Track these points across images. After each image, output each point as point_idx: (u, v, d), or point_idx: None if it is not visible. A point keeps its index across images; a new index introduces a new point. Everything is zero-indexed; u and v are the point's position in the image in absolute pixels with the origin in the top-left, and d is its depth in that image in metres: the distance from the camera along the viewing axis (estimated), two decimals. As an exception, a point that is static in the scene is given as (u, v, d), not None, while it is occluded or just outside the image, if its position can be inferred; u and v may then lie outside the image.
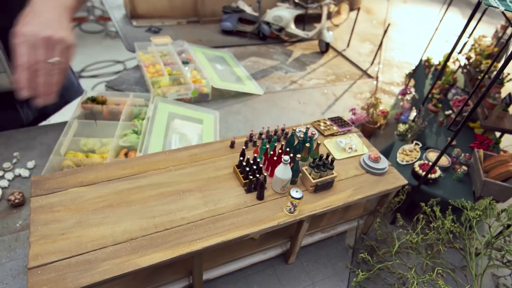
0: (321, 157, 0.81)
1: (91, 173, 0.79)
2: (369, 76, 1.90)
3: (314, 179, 0.80)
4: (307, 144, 0.83)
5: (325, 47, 2.04)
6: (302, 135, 0.86)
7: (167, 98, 1.37)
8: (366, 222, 1.03)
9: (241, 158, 0.82)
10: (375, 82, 1.83)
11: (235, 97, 1.54)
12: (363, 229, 1.05)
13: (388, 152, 1.14)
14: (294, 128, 0.94)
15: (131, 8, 2.04)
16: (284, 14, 2.01)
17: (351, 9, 2.32)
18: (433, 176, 1.00)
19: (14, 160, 1.09)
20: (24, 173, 1.06)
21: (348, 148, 0.94)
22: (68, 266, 0.61)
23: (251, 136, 0.92)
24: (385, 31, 1.81)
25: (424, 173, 1.00)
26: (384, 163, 0.89)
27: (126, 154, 1.10)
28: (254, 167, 0.80)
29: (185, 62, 1.58)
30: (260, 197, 0.78)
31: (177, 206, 0.74)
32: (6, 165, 1.07)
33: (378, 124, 1.41)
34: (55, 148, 1.04)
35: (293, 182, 0.82)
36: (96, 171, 0.79)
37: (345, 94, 1.70)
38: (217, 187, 0.80)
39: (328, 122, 1.03)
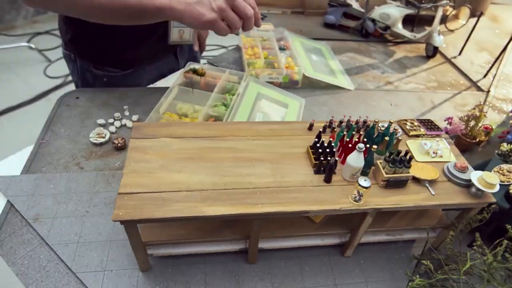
0: (398, 152, 0.78)
1: (181, 128, 0.89)
2: (479, 89, 1.71)
3: (386, 173, 0.77)
4: (386, 138, 0.80)
5: (432, 52, 1.89)
6: (383, 128, 0.83)
7: (259, 79, 1.44)
8: (439, 235, 0.95)
9: (316, 140, 0.84)
10: (484, 96, 1.64)
11: (324, 89, 1.53)
12: (434, 243, 0.97)
13: (481, 168, 1.03)
14: (377, 121, 0.91)
15: (242, -6, 2.17)
16: (392, 12, 1.91)
17: (472, 15, 2.10)
18: (532, 202, 0.88)
19: (125, 112, 1.28)
20: (129, 124, 1.24)
21: (432, 152, 0.88)
22: (148, 199, 0.71)
23: (330, 122, 0.92)
24: (509, 41, 1.60)
25: (521, 197, 0.88)
26: (470, 174, 0.81)
27: (212, 123, 1.20)
28: (327, 150, 0.81)
29: (282, 49, 1.63)
30: (328, 180, 0.79)
31: (247, 171, 0.79)
32: (116, 114, 1.26)
33: (477, 140, 1.27)
34: (155, 107, 1.19)
35: (364, 173, 0.81)
36: (185, 128, 0.89)
37: (445, 103, 1.56)
38: (288, 163, 0.83)
39: (416, 123, 0.97)
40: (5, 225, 0.92)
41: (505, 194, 0.93)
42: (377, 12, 1.96)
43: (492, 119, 1.48)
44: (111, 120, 1.24)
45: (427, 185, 0.81)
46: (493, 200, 0.80)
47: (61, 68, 3.85)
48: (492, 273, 0.72)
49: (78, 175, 1.06)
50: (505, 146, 1.18)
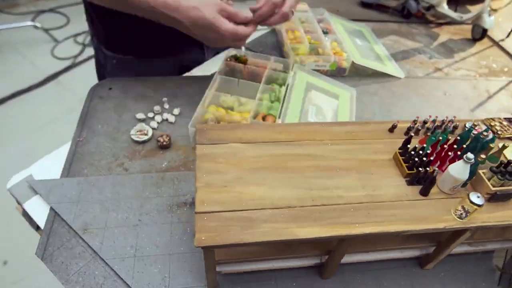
0: (509, 163, 0.68)
1: (249, 131, 0.78)
2: (534, 75, 1.59)
3: (493, 186, 0.68)
4: (492, 145, 0.71)
5: (480, 34, 1.75)
6: (478, 133, 0.73)
7: (305, 67, 1.32)
8: (525, 246, 0.87)
9: (407, 146, 0.74)
10: (540, 84, 1.52)
11: (372, 76, 1.42)
12: (518, 254, 0.89)
13: None
14: (466, 123, 0.81)
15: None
16: (438, -10, 1.77)
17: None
18: None
19: (164, 105, 1.17)
20: (171, 118, 1.13)
21: (533, 158, 0.78)
22: (232, 219, 0.62)
23: (415, 122, 0.82)
24: None
25: None
26: None
27: (263, 118, 1.09)
28: (424, 158, 0.71)
29: (325, 32, 1.50)
30: (425, 193, 0.70)
31: (334, 183, 0.70)
32: (156, 108, 1.15)
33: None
34: (202, 100, 1.08)
35: (464, 185, 0.71)
36: (254, 131, 0.79)
37: (501, 92, 1.45)
38: (374, 172, 0.73)
39: (505, 123, 0.87)
40: (52, 237, 0.84)
41: None
42: (421, -10, 1.81)
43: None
44: (150, 115, 1.14)
45: (534, 197, 0.72)
46: None
47: (69, 48, 3.69)
48: None
49: (124, 178, 0.96)
50: None
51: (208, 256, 0.64)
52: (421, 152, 0.72)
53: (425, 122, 0.83)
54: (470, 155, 0.65)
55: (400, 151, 0.75)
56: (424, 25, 1.88)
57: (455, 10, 1.87)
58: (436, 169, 0.69)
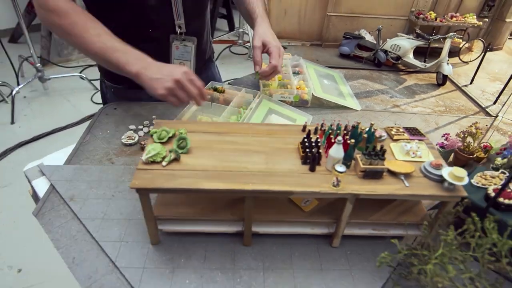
0: (374, 147, 0.89)
1: (194, 125, 1.06)
2: (487, 114, 1.77)
3: (363, 164, 0.89)
4: (365, 135, 0.93)
5: (442, 80, 1.99)
6: (365, 129, 0.96)
7: (272, 97, 1.61)
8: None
9: (305, 136, 0.97)
10: (491, 120, 1.70)
11: (332, 108, 1.67)
12: (420, 241, 1.04)
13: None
14: (362, 126, 1.04)
15: (265, 28, 2.42)
16: (403, 44, 2.06)
17: (488, 48, 2.19)
18: (507, 202, 0.94)
19: (153, 121, 1.48)
20: (155, 130, 1.44)
21: (412, 153, 0.98)
22: (160, 174, 0.88)
23: (322, 125, 1.06)
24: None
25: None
26: (444, 172, 0.91)
27: (226, 130, 1.37)
28: (313, 144, 0.94)
29: (296, 73, 1.81)
30: (312, 169, 0.91)
31: (244, 159, 0.94)
32: (146, 122, 1.47)
33: (475, 156, 1.34)
34: (177, 116, 1.39)
35: (346, 165, 0.92)
36: (197, 125, 1.06)
37: (450, 125, 1.64)
38: (280, 154, 0.97)
39: (401, 130, 1.08)
40: (47, 202, 1.12)
41: (485, 196, 1.00)
42: (389, 44, 2.11)
43: (497, 140, 1.54)
44: (140, 127, 1.45)
45: (402, 178, 0.91)
46: (465, 194, 0.88)
47: (106, 95, 4.28)
48: (453, 254, 0.79)
49: (109, 167, 1.25)
50: (499, 160, 1.25)
51: (144, 203, 0.88)
52: (314, 141, 0.95)
53: (331, 125, 1.06)
54: (339, 138, 0.87)
55: (301, 141, 0.98)
56: (395, 72, 2.15)
57: (424, 61, 2.13)
58: (320, 151, 0.92)
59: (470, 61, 2.34)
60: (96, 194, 1.14)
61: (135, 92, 1.56)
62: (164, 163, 0.90)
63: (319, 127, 1.06)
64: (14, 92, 3.79)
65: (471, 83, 2.06)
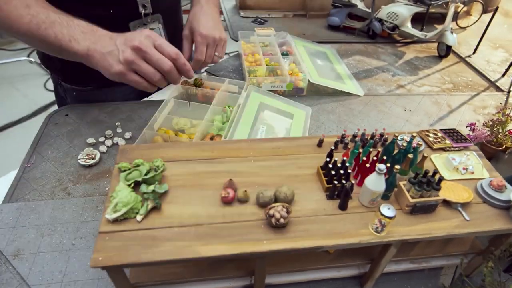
0: (425, 173, 0.67)
1: (173, 150, 0.78)
2: (498, 89, 1.59)
3: (412, 198, 0.66)
4: (410, 155, 0.69)
5: (445, 51, 1.77)
6: (404, 144, 0.72)
7: (261, 88, 1.34)
8: (471, 262, 0.83)
9: (328, 159, 0.73)
10: (505, 97, 1.52)
11: (331, 95, 1.43)
12: (465, 270, 0.85)
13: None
14: (396, 135, 0.80)
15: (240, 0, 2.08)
16: (400, 11, 1.80)
17: (485, 11, 1.98)
18: None
19: (117, 130, 1.18)
20: (121, 142, 1.14)
21: (462, 168, 0.76)
22: (134, 238, 0.61)
23: (343, 136, 0.81)
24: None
25: None
26: (509, 194, 0.70)
27: (211, 138, 1.09)
28: (342, 171, 0.70)
29: (285, 54, 1.53)
30: (343, 207, 0.68)
31: (250, 200, 0.69)
32: (108, 132, 1.16)
33: (504, 147, 1.15)
34: (149, 123, 1.09)
35: (385, 197, 0.70)
36: (178, 149, 0.79)
37: (463, 106, 1.44)
38: (296, 187, 0.72)
39: (440, 134, 0.86)
40: (-18, 264, 0.83)
41: (547, 213, 0.81)
42: (384, 12, 1.85)
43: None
44: (102, 139, 1.15)
45: (459, 208, 0.69)
46: (540, 223, 0.68)
47: (61, 80, 3.79)
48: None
49: (65, 202, 0.96)
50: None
51: (116, 279, 0.62)
52: (340, 165, 0.71)
53: (354, 136, 0.82)
54: (381, 165, 0.63)
55: (322, 165, 0.73)
56: (391, 44, 1.90)
57: (421, 29, 1.90)
58: (352, 182, 0.68)
59: (468, 26, 2.13)
60: (50, 244, 0.86)
61: (106, 93, 1.26)
62: (139, 218, 0.64)
63: (339, 140, 0.81)
64: None
65: (474, 52, 1.86)
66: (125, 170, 0.70)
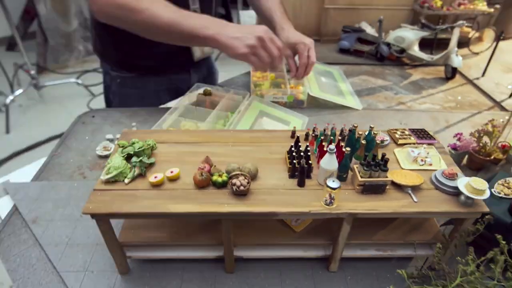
0: (374, 156, 0.75)
1: (166, 135, 0.93)
2: (503, 109, 1.61)
3: (362, 177, 0.74)
4: (363, 141, 0.78)
5: (451, 73, 1.82)
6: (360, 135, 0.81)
7: (263, 98, 1.47)
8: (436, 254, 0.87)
9: (292, 144, 0.83)
10: (508, 116, 1.53)
11: (331, 109, 1.53)
12: (432, 263, 0.89)
13: (489, 183, 0.95)
14: (361, 132, 0.89)
15: (257, 24, 2.28)
16: (407, 35, 1.90)
17: (499, 38, 2.02)
18: (537, 216, 0.78)
19: (133, 129, 1.35)
20: (135, 139, 1.30)
21: (420, 160, 0.83)
22: (120, 195, 0.74)
23: (314, 130, 0.91)
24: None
25: (527, 212, 0.80)
26: (459, 181, 0.76)
27: (211, 137, 1.23)
28: (302, 154, 0.80)
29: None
30: (300, 183, 0.77)
31: (221, 174, 0.80)
32: (124, 130, 1.33)
33: (492, 157, 1.18)
34: (158, 123, 1.25)
35: (341, 178, 0.78)
36: (169, 134, 0.93)
37: (462, 122, 1.48)
38: (264, 167, 0.82)
39: (407, 132, 0.93)
40: (7, 226, 0.99)
41: (509, 208, 0.84)
42: (392, 36, 1.95)
43: (515, 138, 1.37)
44: (118, 135, 1.32)
45: (409, 191, 0.76)
46: (486, 209, 0.73)
47: (103, 101, 4.19)
48: (474, 285, 0.64)
49: (80, 183, 1.12)
50: (521, 163, 1.08)
51: (104, 231, 0.75)
52: (303, 150, 0.81)
53: (324, 130, 0.91)
54: (331, 146, 0.73)
55: (288, 150, 0.84)
56: (399, 66, 1.99)
57: (431, 53, 1.97)
58: (310, 162, 0.77)
59: (481, 51, 2.17)
60: (62, 214, 1.01)
61: (144, 81, 1.48)
62: (126, 181, 0.77)
63: (310, 133, 0.91)
64: (8, 101, 3.71)
65: (483, 75, 1.89)
66: (123, 146, 0.84)
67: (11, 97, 3.86)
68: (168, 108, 1.52)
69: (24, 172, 1.20)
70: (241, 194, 0.74)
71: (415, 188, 0.77)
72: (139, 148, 0.82)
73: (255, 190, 0.76)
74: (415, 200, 0.74)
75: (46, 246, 0.93)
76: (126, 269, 0.85)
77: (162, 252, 0.85)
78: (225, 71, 2.57)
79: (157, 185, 0.76)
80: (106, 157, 1.23)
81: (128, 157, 0.82)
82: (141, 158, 0.79)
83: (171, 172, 0.77)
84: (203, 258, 0.86)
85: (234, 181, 0.73)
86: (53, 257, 0.90)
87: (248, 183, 0.73)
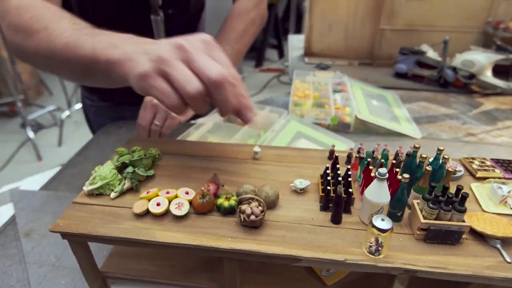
0: (444, 187, 0.52)
1: (175, 145, 0.77)
2: None
3: (425, 218, 0.52)
4: (428, 167, 0.56)
5: (535, 104, 1.51)
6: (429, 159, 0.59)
7: (303, 118, 1.29)
8: None
9: (327, 166, 0.63)
10: None
11: (382, 135, 1.30)
12: None
13: None
14: (425, 155, 0.67)
15: (306, 46, 2.13)
16: (478, 59, 1.63)
17: None
18: None
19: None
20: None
21: (511, 201, 0.58)
22: (101, 212, 0.59)
23: (358, 151, 0.71)
24: None
25: None
26: None
27: (237, 157, 1.06)
28: (341, 180, 0.59)
29: (337, 91, 1.47)
30: (336, 219, 0.56)
31: (231, 197, 0.62)
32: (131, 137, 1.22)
33: None
34: (182, 134, 1.12)
35: (394, 217, 0.56)
36: (180, 145, 0.77)
37: (555, 162, 1.16)
38: (287, 193, 0.63)
39: (489, 163, 0.69)
40: (1, 236, 0.88)
41: None
42: (459, 59, 1.69)
43: None
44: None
45: (498, 246, 0.52)
46: None
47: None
48: None
49: (86, 196, 1.00)
50: None
51: (78, 253, 0.60)
52: (343, 175, 0.61)
53: (373, 152, 0.70)
54: (382, 170, 0.52)
55: (322, 174, 0.64)
56: (467, 94, 1.70)
57: (507, 80, 1.67)
58: (350, 190, 0.57)
59: None
60: (58, 230, 0.88)
61: (120, 110, 1.36)
62: (112, 195, 0.62)
63: (354, 154, 0.71)
64: (64, 116, 3.91)
65: None
66: (121, 154, 0.70)
67: (67, 113, 4.07)
68: (199, 124, 1.40)
69: (35, 180, 1.12)
70: (252, 226, 0.54)
71: (507, 242, 0.52)
72: (138, 157, 0.67)
73: (272, 223, 0.56)
74: (508, 260, 0.50)
75: (30, 265, 0.80)
76: (107, 306, 0.68)
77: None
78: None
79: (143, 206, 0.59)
80: (121, 170, 1.11)
81: (122, 167, 0.67)
82: (135, 169, 0.64)
83: (167, 193, 0.60)
84: (203, 305, 0.66)
85: (244, 207, 0.54)
86: (34, 279, 0.76)
87: (262, 212, 0.54)
